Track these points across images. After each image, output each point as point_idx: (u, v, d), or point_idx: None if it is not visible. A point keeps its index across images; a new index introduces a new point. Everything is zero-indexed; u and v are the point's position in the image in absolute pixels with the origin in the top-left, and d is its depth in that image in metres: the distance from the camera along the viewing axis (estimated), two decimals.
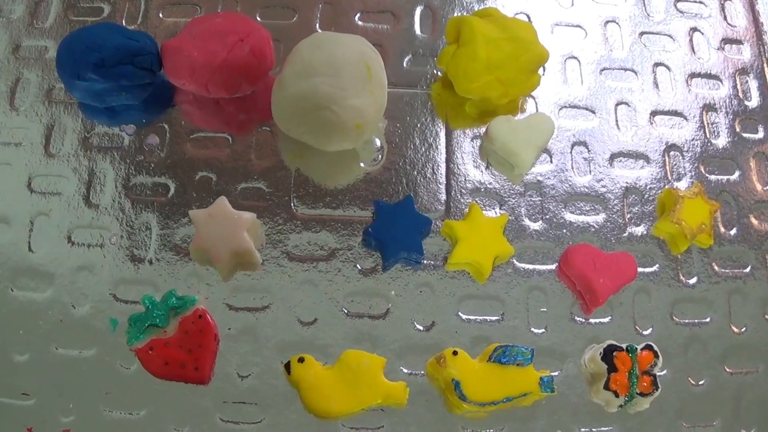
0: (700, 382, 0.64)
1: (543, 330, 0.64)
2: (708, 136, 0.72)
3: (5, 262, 0.64)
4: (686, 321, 0.65)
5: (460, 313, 0.64)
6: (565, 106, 0.73)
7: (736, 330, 0.65)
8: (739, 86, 0.75)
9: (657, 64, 0.76)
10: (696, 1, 0.80)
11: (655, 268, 0.66)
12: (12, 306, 0.63)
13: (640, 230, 0.68)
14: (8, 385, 0.61)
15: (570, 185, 0.69)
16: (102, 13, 0.75)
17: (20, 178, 0.67)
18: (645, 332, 0.64)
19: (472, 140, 0.70)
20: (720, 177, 0.71)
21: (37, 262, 0.64)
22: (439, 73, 0.73)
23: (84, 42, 0.63)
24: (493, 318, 0.64)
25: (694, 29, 0.78)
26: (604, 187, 0.69)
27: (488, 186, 0.68)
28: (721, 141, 0.72)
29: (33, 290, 0.63)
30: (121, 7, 0.75)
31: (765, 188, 0.71)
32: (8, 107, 0.70)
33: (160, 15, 0.75)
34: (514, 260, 0.66)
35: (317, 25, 0.75)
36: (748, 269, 0.67)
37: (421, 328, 0.63)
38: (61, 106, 0.70)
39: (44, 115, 0.70)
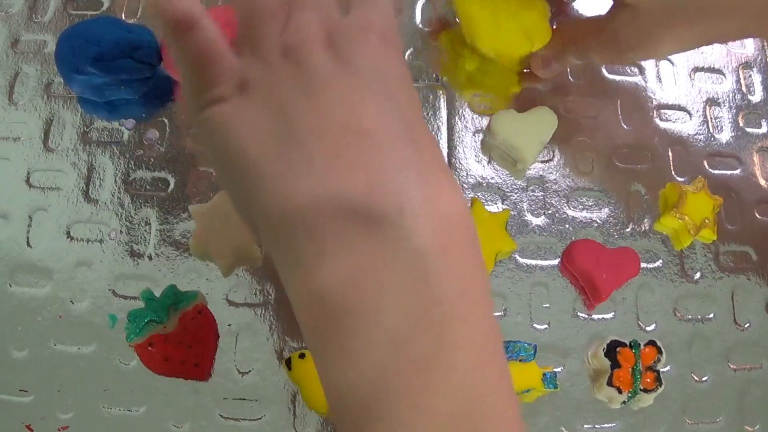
0: (704, 378, 0.63)
1: (546, 326, 0.64)
2: (711, 131, 0.72)
3: (3, 257, 0.64)
4: (690, 317, 0.65)
5: None
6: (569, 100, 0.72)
7: (739, 326, 0.65)
8: (742, 80, 0.75)
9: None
10: None
11: (658, 263, 0.66)
12: (10, 302, 0.63)
13: (643, 225, 0.67)
14: (6, 381, 0.61)
15: (573, 180, 0.69)
16: (101, 7, 0.74)
17: (19, 173, 0.67)
18: (648, 328, 0.64)
19: (473, 135, 0.69)
20: (723, 172, 0.70)
21: (36, 257, 0.64)
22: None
23: (83, 36, 0.63)
24: (496, 314, 0.64)
25: None
26: (607, 181, 0.69)
27: (490, 181, 0.68)
28: (725, 136, 0.72)
29: (31, 286, 0.63)
30: (121, 1, 0.74)
31: None
32: (7, 102, 0.70)
33: None
34: (517, 256, 0.65)
35: None
36: (751, 264, 0.67)
37: None
38: (60, 101, 0.70)
39: (43, 110, 0.69)
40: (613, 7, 0.61)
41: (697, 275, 0.66)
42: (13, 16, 0.74)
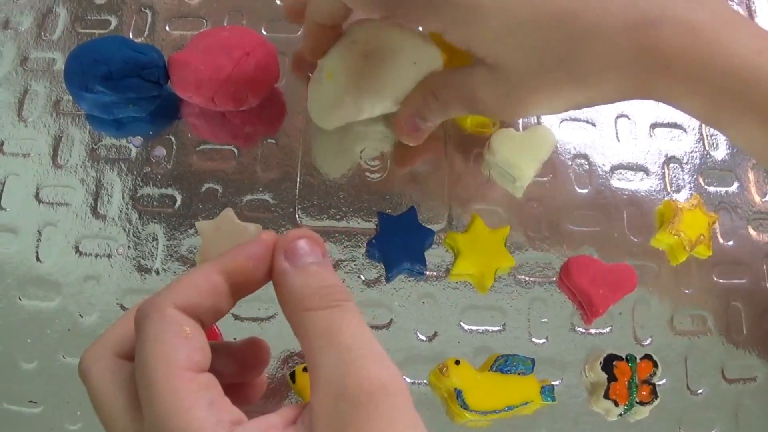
0: (699, 391, 0.64)
1: (544, 340, 0.65)
2: (707, 148, 0.73)
3: (13, 271, 0.65)
4: (685, 330, 0.66)
5: (462, 324, 0.65)
6: (566, 119, 0.73)
7: (734, 339, 0.66)
8: None
9: None
10: None
11: (654, 278, 0.67)
12: (20, 315, 0.64)
13: (639, 241, 0.68)
14: (16, 392, 0.62)
15: (571, 197, 0.70)
16: (109, 26, 0.76)
17: (28, 189, 0.68)
18: (644, 342, 0.65)
19: (474, 152, 0.71)
20: (719, 188, 0.72)
21: (45, 271, 0.65)
22: None
23: (92, 54, 0.64)
24: (495, 328, 0.65)
25: None
26: (604, 199, 0.70)
27: (490, 198, 0.69)
28: (720, 153, 0.73)
29: (41, 299, 0.64)
30: (128, 20, 0.76)
31: (763, 200, 0.71)
32: (16, 118, 0.71)
33: (167, 28, 0.75)
34: (516, 271, 0.67)
35: None
36: (746, 279, 0.68)
37: (423, 338, 0.64)
38: (68, 118, 0.71)
39: (52, 127, 0.71)
40: (474, 61, 0.56)
41: (693, 290, 0.67)
42: (22, 33, 0.75)
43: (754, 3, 0.81)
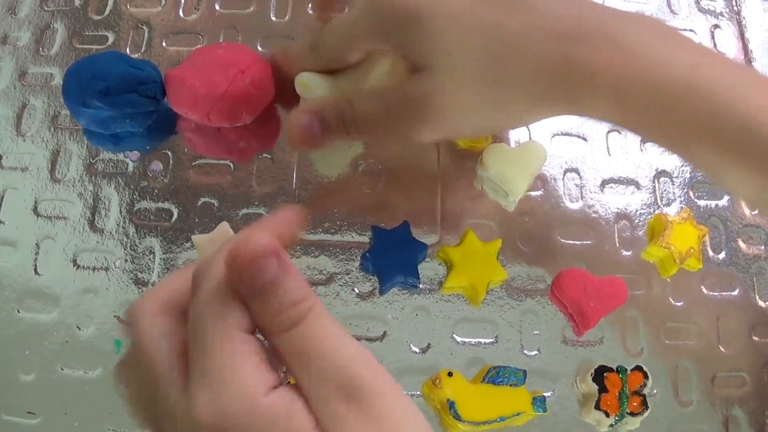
0: (689, 402, 0.65)
1: (536, 352, 0.65)
2: None
3: (12, 284, 0.66)
4: (675, 342, 0.67)
5: (455, 336, 0.65)
6: (558, 134, 0.74)
7: (724, 350, 0.67)
8: None
9: None
10: (686, 30, 0.82)
11: (645, 291, 0.68)
12: (18, 327, 0.65)
13: (630, 255, 0.69)
14: (14, 404, 0.62)
15: (562, 211, 0.70)
16: (106, 41, 0.76)
17: (26, 203, 0.69)
18: (635, 353, 0.66)
19: (466, 167, 0.71)
20: (708, 202, 0.72)
21: (43, 284, 0.66)
22: None
23: (90, 70, 0.65)
24: (487, 340, 0.65)
25: None
26: (595, 213, 0.71)
27: (482, 212, 0.70)
28: None
29: (39, 312, 0.65)
30: (125, 36, 0.77)
31: (752, 213, 0.72)
32: (15, 133, 0.72)
33: (163, 44, 0.76)
34: (508, 284, 0.67)
35: None
36: (735, 292, 0.69)
37: (417, 350, 0.65)
38: (66, 133, 0.72)
39: (50, 141, 0.71)
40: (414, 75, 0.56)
41: (683, 302, 0.68)
42: (20, 49, 0.76)
43: (747, 30, 0.82)
